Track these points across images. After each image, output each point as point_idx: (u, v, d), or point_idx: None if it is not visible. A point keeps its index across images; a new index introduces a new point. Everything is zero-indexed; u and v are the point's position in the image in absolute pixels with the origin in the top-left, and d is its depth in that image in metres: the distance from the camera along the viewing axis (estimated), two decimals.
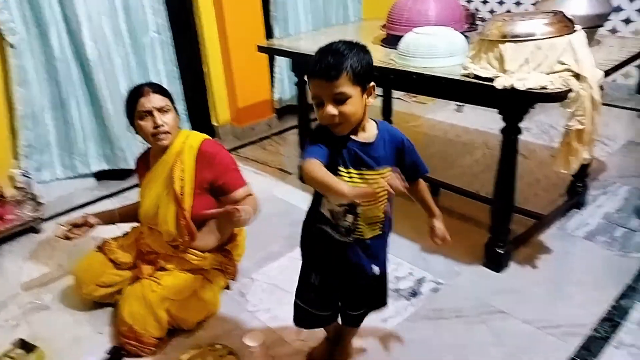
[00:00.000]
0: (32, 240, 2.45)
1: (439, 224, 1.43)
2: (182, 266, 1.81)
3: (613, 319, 1.67)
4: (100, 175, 3.00)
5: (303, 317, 1.46)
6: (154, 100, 1.70)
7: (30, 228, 2.47)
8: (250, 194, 1.78)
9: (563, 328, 1.65)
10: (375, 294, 1.45)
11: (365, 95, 1.17)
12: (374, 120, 1.26)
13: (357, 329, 1.57)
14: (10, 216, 2.42)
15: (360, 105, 1.16)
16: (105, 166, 2.94)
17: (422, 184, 1.39)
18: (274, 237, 2.29)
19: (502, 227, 1.92)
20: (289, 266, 2.09)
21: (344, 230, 1.27)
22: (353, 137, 1.20)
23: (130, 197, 2.79)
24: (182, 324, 1.74)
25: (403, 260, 2.05)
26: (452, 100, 2.00)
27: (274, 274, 2.05)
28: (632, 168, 2.66)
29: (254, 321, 1.80)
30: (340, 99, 1.12)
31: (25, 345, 1.70)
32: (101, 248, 1.90)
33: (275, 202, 2.62)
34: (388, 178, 1.15)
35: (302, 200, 2.61)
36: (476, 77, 1.69)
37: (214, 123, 3.58)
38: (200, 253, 1.81)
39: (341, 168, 1.20)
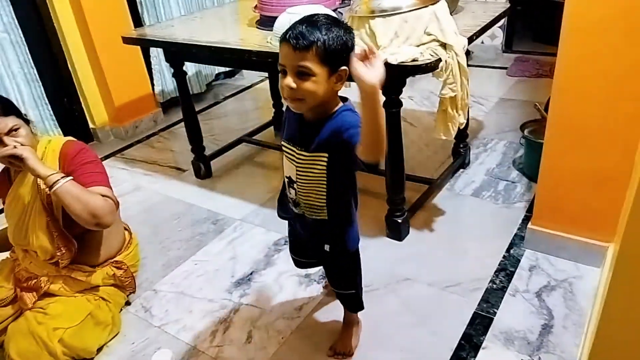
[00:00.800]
0: None
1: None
2: (70, 287, 1.65)
3: (507, 269, 1.81)
4: None
5: (293, 259, 1.61)
6: (1, 126, 1.49)
7: None
8: (105, 195, 1.58)
9: (464, 285, 1.76)
10: (330, 270, 1.51)
11: (333, 79, 1.11)
12: (343, 106, 1.20)
13: (354, 317, 1.58)
14: None
15: (324, 87, 1.11)
16: None
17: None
18: (173, 241, 2.17)
19: (397, 196, 1.98)
20: (193, 271, 1.99)
21: (292, 200, 1.34)
22: (306, 116, 1.20)
23: None
24: (82, 353, 1.59)
25: None
26: None
27: (177, 281, 1.94)
28: (507, 123, 2.89)
29: (162, 336, 1.70)
30: (303, 73, 1.08)
31: None
32: None
33: (171, 203, 2.48)
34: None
35: (198, 197, 2.50)
36: None
37: (91, 126, 3.28)
38: (88, 267, 1.67)
39: (284, 142, 1.27)
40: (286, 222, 1.51)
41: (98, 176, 1.62)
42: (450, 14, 1.73)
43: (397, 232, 2.01)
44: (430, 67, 1.60)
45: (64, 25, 2.95)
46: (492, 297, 1.70)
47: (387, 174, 1.96)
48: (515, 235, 1.97)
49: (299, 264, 1.63)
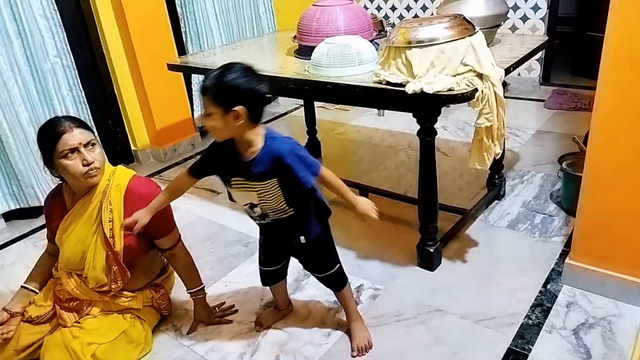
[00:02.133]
0: None
1: (360, 207, 1.48)
2: (110, 309, 1.68)
3: (543, 304, 1.76)
4: (9, 216, 2.75)
5: (261, 275, 1.74)
6: (79, 136, 1.52)
7: None
8: (177, 243, 1.73)
9: (498, 319, 1.71)
10: (312, 258, 1.62)
11: (230, 117, 1.29)
12: (266, 135, 1.38)
13: (343, 292, 1.67)
14: None
15: (224, 124, 1.31)
16: (13, 206, 2.70)
17: (328, 180, 1.43)
18: (205, 262, 2.20)
19: (430, 225, 1.96)
20: (224, 292, 2.01)
21: (259, 217, 1.50)
22: (239, 152, 1.39)
23: (43, 237, 2.57)
24: None
25: None
26: (369, 107, 2.03)
27: (208, 301, 1.95)
28: (544, 156, 2.84)
29: (191, 355, 1.71)
30: (208, 114, 1.32)
31: None
32: (11, 313, 1.70)
33: (204, 225, 2.52)
34: None
35: (232, 220, 2.54)
36: (388, 83, 1.72)
37: (133, 147, 3.41)
38: (131, 293, 1.70)
39: (232, 177, 1.42)
40: None
41: (169, 223, 1.71)
42: (487, 45, 1.75)
43: (429, 261, 1.98)
44: (466, 97, 1.61)
45: (112, 51, 3.11)
46: (528, 332, 1.64)
47: (419, 203, 1.95)
48: (553, 270, 1.91)
49: (268, 277, 1.73)
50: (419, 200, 1.95)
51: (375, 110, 3.84)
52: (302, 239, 1.52)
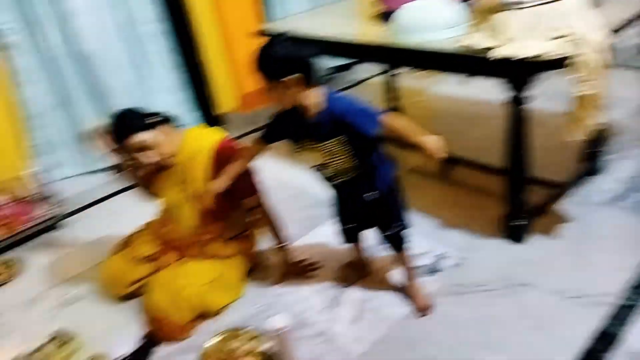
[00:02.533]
0: (56, 237, 2.49)
1: (428, 147, 1.42)
2: (207, 253, 1.84)
3: (639, 285, 1.67)
4: (115, 168, 3.00)
5: (341, 234, 1.81)
6: (132, 143, 1.67)
7: (52, 225, 2.51)
8: (259, 205, 1.83)
9: (589, 297, 1.65)
10: (382, 214, 1.65)
11: (286, 87, 1.36)
12: (326, 96, 1.43)
13: (405, 254, 1.72)
14: (31, 215, 2.45)
15: (282, 95, 1.39)
16: (116, 160, 2.94)
17: (392, 126, 1.41)
18: (290, 221, 2.29)
19: (518, 198, 1.90)
20: (307, 249, 2.10)
21: (329, 178, 1.56)
22: (303, 115, 1.44)
23: None
24: (208, 310, 1.77)
25: (421, 237, 2.05)
26: (456, 73, 1.97)
27: (293, 256, 2.05)
28: None
29: (277, 304, 1.82)
30: (266, 89, 1.40)
31: (63, 336, 1.76)
32: (123, 247, 1.92)
33: (287, 187, 2.62)
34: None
35: (314, 182, 2.60)
36: (476, 48, 1.65)
37: (220, 111, 3.56)
38: (225, 240, 1.85)
39: (298, 140, 1.50)
40: None
41: (254, 185, 1.82)
42: (591, 7, 1.62)
43: (516, 234, 1.94)
44: (561, 63, 1.51)
45: (203, 19, 3.21)
46: (621, 313, 1.57)
47: (507, 174, 1.90)
48: None
49: (347, 235, 1.80)
50: (507, 171, 1.89)
51: (459, 78, 3.69)
52: (371, 195, 1.56)
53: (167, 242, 1.88)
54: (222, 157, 1.72)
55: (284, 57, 1.35)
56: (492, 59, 1.56)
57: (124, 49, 2.83)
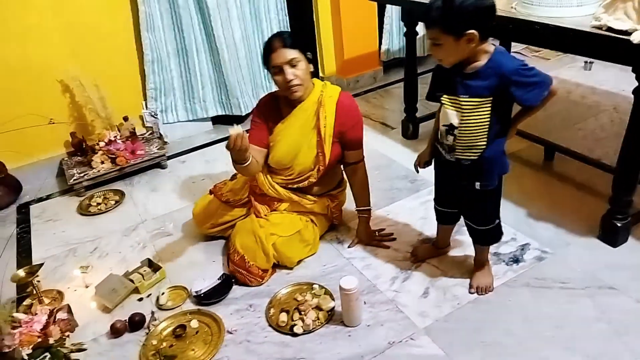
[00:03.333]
0: (158, 174, 2.74)
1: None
2: (293, 208, 1.94)
3: None
4: (217, 120, 3.22)
5: (435, 212, 1.77)
6: (283, 55, 1.69)
7: (156, 163, 2.76)
8: (360, 160, 1.88)
9: None
10: (479, 209, 1.59)
11: (462, 42, 1.28)
12: (495, 51, 1.35)
13: (487, 256, 1.71)
14: (140, 151, 2.71)
15: (455, 50, 1.31)
16: (221, 112, 3.14)
17: (539, 105, 1.38)
18: (374, 190, 2.29)
19: (624, 198, 1.75)
20: (385, 219, 2.12)
21: (447, 147, 1.48)
22: (462, 69, 1.37)
23: None
24: (285, 261, 1.87)
25: (506, 224, 1.96)
26: (581, 55, 1.81)
27: (371, 224, 2.09)
28: None
29: (349, 267, 1.88)
30: (436, 44, 1.33)
31: (151, 264, 1.96)
32: (212, 192, 2.07)
33: (375, 156, 2.62)
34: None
35: (401, 155, 2.60)
36: (609, 29, 1.52)
37: (320, 74, 3.62)
38: (312, 198, 1.93)
39: (443, 93, 1.42)
40: None
41: (361, 139, 1.88)
42: None
43: (613, 235, 1.80)
44: None
45: None
46: None
47: (617, 170, 1.75)
48: None
49: (443, 217, 1.75)
50: (618, 167, 1.74)
51: (581, 63, 3.40)
52: (478, 185, 1.50)
53: (257, 194, 1.98)
54: (345, 108, 1.81)
55: (468, 8, 1.24)
56: (631, 43, 1.42)
57: (242, 5, 2.94)
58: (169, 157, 2.86)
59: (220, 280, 1.83)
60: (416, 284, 1.77)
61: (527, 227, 1.97)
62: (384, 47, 3.63)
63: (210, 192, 2.08)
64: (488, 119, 1.38)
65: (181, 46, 2.90)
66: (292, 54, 1.71)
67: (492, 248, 1.85)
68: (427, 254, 1.87)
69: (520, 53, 3.73)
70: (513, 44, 2.90)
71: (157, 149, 2.77)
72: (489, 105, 1.36)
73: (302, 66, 1.73)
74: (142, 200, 2.51)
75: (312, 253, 1.95)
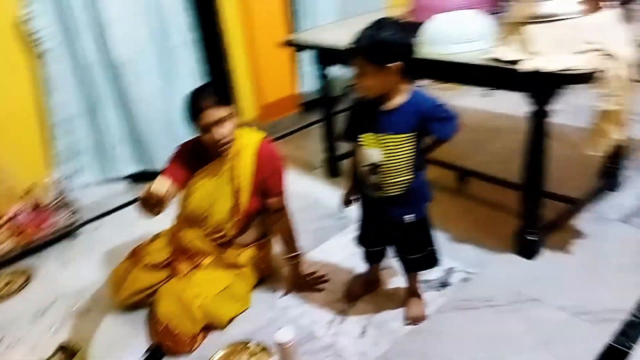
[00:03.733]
0: (69, 245, 2.54)
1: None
2: (219, 263, 1.86)
3: None
4: (133, 178, 3.08)
5: (362, 255, 1.78)
6: (212, 115, 1.65)
7: (67, 233, 2.57)
8: (282, 207, 1.85)
9: (599, 314, 1.61)
10: (410, 240, 1.61)
11: (386, 73, 1.33)
12: (413, 90, 1.41)
13: (416, 277, 1.73)
14: (48, 223, 2.51)
15: (379, 81, 1.35)
16: (136, 169, 3.02)
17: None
18: (301, 232, 2.29)
19: (533, 213, 1.88)
20: (317, 261, 2.10)
21: (373, 186, 1.49)
22: (381, 104, 1.40)
23: None
24: (215, 321, 1.77)
25: None
26: (478, 85, 1.96)
27: (302, 269, 2.06)
28: None
29: (285, 317, 1.83)
30: (362, 73, 1.36)
31: (68, 349, 1.77)
32: (132, 255, 1.95)
33: (300, 198, 2.62)
34: None
35: (325, 194, 2.62)
36: (501, 61, 1.65)
37: (242, 120, 3.61)
38: (238, 250, 1.88)
39: (363, 133, 1.45)
40: None
41: (281, 185, 1.84)
42: (620, 23, 1.60)
43: (528, 249, 1.90)
44: (588, 77, 1.50)
45: (231, 28, 3.26)
46: (631, 330, 1.53)
47: (523, 188, 1.87)
48: None
49: (370, 257, 1.77)
50: (523, 185, 1.86)
51: (481, 91, 3.68)
52: (408, 217, 1.53)
53: (179, 250, 1.89)
54: (264, 156, 1.79)
55: (396, 41, 1.31)
56: (519, 71, 1.55)
57: (153, 58, 2.89)
58: (81, 225, 2.67)
59: (146, 355, 1.70)
60: (353, 324, 1.75)
61: (451, 250, 2.02)
62: (300, 90, 3.71)
63: (130, 256, 1.96)
64: (412, 154, 1.44)
65: (90, 105, 2.78)
66: (221, 112, 1.67)
67: (422, 275, 1.89)
68: (360, 291, 1.87)
69: (427, 86, 3.96)
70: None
71: (67, 218, 2.58)
72: (412, 140, 1.42)
73: (230, 122, 1.71)
74: (53, 277, 2.31)
75: (245, 308, 1.87)
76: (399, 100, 1.40)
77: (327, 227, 2.34)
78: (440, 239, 2.09)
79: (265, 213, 1.91)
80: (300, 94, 3.72)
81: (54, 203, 2.71)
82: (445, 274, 1.91)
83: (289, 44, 2.68)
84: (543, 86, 1.64)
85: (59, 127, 2.68)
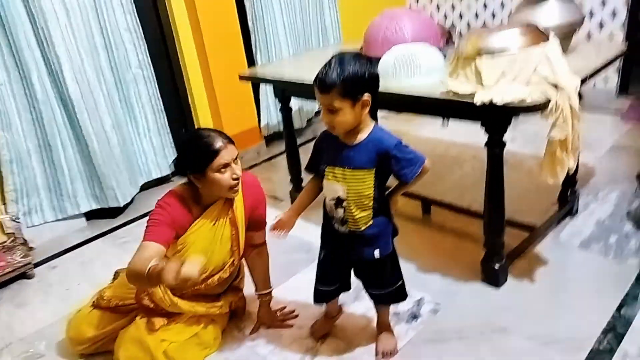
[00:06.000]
0: (24, 286, 2.40)
1: (394, 206, 1.55)
2: (197, 315, 1.75)
3: (616, 329, 1.66)
4: (90, 215, 2.96)
5: (316, 293, 1.70)
6: (232, 152, 1.58)
7: (21, 274, 2.43)
8: (264, 241, 1.81)
9: (566, 342, 1.64)
10: (379, 275, 1.58)
11: (358, 106, 1.33)
12: (374, 126, 1.42)
13: (387, 313, 1.72)
14: (1, 263, 2.37)
15: (352, 115, 1.34)
16: (94, 205, 2.91)
17: (414, 180, 1.46)
18: (271, 267, 2.26)
19: (496, 241, 1.91)
20: (285, 296, 2.06)
21: (340, 220, 1.48)
22: (343, 139, 1.41)
23: (121, 235, 2.76)
24: None
25: None
26: (435, 115, 2.01)
27: (271, 305, 2.01)
28: (620, 172, 2.68)
29: (254, 356, 1.77)
30: (332, 110, 1.33)
31: None
32: (97, 304, 1.80)
33: (267, 230, 2.59)
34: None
35: (294, 227, 2.58)
36: (456, 93, 1.70)
37: None
38: (218, 302, 1.80)
39: (327, 167, 1.44)
40: None
41: (265, 219, 1.80)
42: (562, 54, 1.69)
43: (494, 278, 1.93)
44: (539, 107, 1.56)
45: (187, 63, 3.28)
46: (598, 358, 1.56)
47: (485, 217, 1.91)
48: (627, 294, 1.80)
49: (323, 296, 1.71)
50: (485, 214, 1.91)
51: (439, 121, 3.78)
52: (377, 253, 1.51)
53: (147, 309, 1.73)
54: (250, 187, 1.73)
55: (364, 73, 1.31)
56: (472, 103, 1.60)
57: (108, 94, 2.84)
58: (37, 264, 2.54)
59: None
60: (324, 359, 1.71)
61: (418, 281, 2.03)
62: (263, 122, 3.71)
63: (95, 306, 1.80)
64: (372, 189, 1.43)
65: (43, 142, 2.69)
66: (235, 150, 1.59)
67: (392, 308, 1.89)
68: (324, 328, 1.82)
69: (386, 117, 4.05)
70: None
71: (21, 257, 2.44)
72: (372, 175, 1.42)
73: (239, 162, 1.63)
74: (5, 320, 2.16)
75: (213, 352, 1.79)
76: (361, 136, 1.41)
77: (296, 260, 2.30)
78: (408, 270, 2.10)
79: (246, 249, 1.81)
80: (264, 126, 3.73)
81: (6, 242, 2.57)
82: (414, 305, 1.90)
83: (247, 78, 2.69)
84: (495, 117, 1.70)
85: (10, 164, 2.56)
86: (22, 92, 2.58)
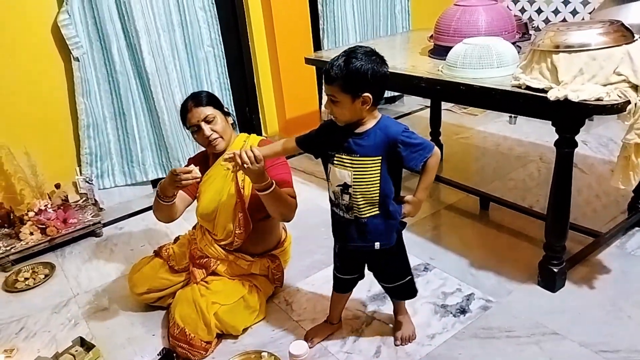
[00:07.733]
0: (92, 244, 2.59)
1: (407, 207, 1.50)
2: (233, 271, 1.87)
3: None
4: (157, 183, 3.12)
5: (335, 282, 1.72)
6: (197, 114, 1.77)
7: (91, 232, 2.61)
8: (292, 196, 1.79)
9: (623, 353, 1.56)
10: (384, 267, 1.61)
11: (357, 102, 1.34)
12: (381, 117, 1.43)
13: (402, 303, 1.73)
14: (73, 220, 2.56)
15: (350, 110, 1.37)
16: (161, 174, 3.06)
17: (427, 168, 1.43)
18: (318, 246, 2.30)
19: (557, 244, 1.84)
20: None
21: (345, 207, 1.47)
22: (351, 127, 1.42)
23: None
24: (230, 330, 1.78)
25: (450, 275, 2.01)
26: (504, 111, 1.96)
27: (318, 283, 2.06)
28: None
29: (298, 330, 1.82)
30: (333, 101, 1.37)
31: (84, 343, 1.80)
32: (159, 253, 1.99)
33: (320, 212, 2.62)
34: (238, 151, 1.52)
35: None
36: (528, 88, 1.65)
37: (264, 134, 3.66)
38: (250, 257, 1.88)
39: (335, 153, 1.44)
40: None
41: (287, 176, 1.84)
42: None
43: (551, 281, 1.86)
44: (616, 109, 1.48)
45: (256, 44, 3.37)
46: None
47: (548, 218, 1.84)
48: None
49: (343, 285, 1.71)
50: (548, 215, 1.84)
51: (506, 118, 3.66)
52: (377, 245, 1.50)
53: (195, 259, 1.91)
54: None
55: (367, 72, 1.32)
56: (549, 99, 1.54)
57: (181, 70, 2.98)
58: (105, 225, 2.72)
59: (160, 356, 1.71)
60: (367, 342, 1.73)
61: (471, 276, 2.00)
62: (323, 108, 3.74)
63: (155, 253, 2.00)
64: (378, 177, 1.41)
65: (119, 110, 2.85)
66: (206, 111, 1.78)
67: (440, 300, 1.88)
68: (322, 334, 1.77)
69: (451, 110, 3.97)
70: (442, 102, 3.09)
71: (92, 217, 2.63)
72: (379, 164, 1.40)
73: (218, 120, 1.80)
74: (74, 273, 2.35)
75: (260, 319, 1.87)
76: (368, 125, 1.41)
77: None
78: (460, 264, 2.08)
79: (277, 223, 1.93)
80: (324, 111, 3.75)
81: (80, 201, 2.78)
82: (463, 300, 1.88)
83: (311, 61, 2.72)
84: (569, 116, 1.62)
85: (87, 129, 2.75)
86: (102, 63, 2.74)
